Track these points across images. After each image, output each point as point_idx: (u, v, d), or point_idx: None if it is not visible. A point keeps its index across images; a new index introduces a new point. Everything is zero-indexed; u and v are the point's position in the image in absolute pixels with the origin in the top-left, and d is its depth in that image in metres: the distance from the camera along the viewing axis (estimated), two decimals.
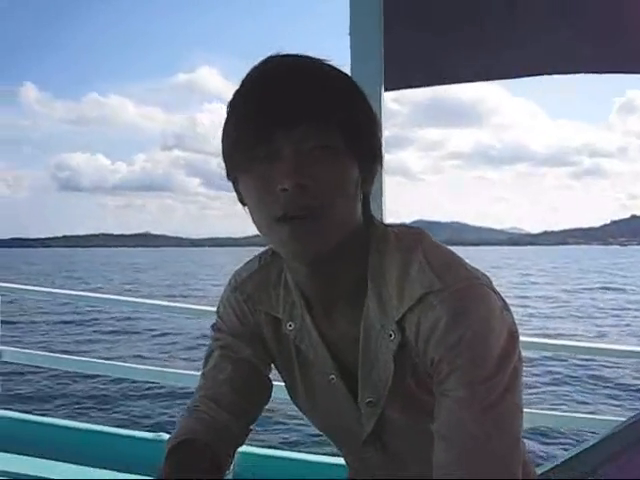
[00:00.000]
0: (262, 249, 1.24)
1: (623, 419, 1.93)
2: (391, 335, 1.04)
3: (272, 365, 1.26)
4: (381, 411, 1.11)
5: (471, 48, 2.35)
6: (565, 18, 2.22)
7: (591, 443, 1.75)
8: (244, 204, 1.07)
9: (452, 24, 2.32)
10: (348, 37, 2.14)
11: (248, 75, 1.05)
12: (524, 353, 1.04)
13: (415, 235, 1.10)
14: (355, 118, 1.03)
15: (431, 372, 1.01)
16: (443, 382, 0.98)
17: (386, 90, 2.20)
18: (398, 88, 2.33)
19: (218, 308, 1.28)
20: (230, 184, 1.10)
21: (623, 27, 2.28)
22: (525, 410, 1.01)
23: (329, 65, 1.06)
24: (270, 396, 1.26)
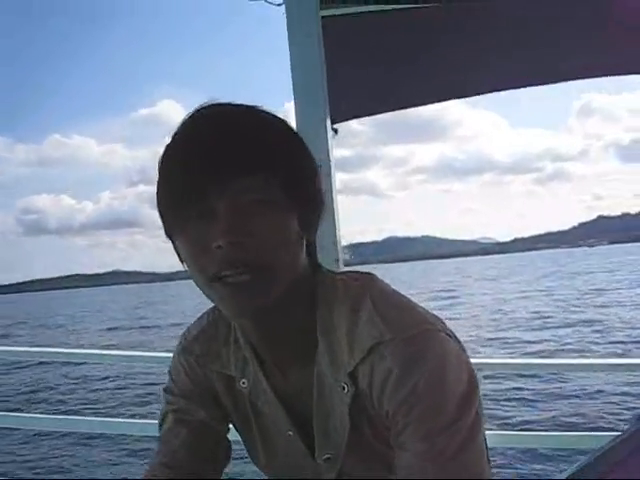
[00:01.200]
0: None
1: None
2: (344, 388, 0.99)
3: (229, 424, 1.21)
4: (340, 466, 1.06)
5: (418, 73, 2.38)
6: (500, 39, 2.26)
7: (598, 453, 1.74)
8: (182, 261, 1.01)
9: (397, 50, 2.34)
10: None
11: (179, 127, 0.99)
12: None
13: (363, 282, 1.05)
14: (293, 168, 0.98)
15: (388, 425, 0.96)
16: (400, 435, 0.93)
17: (333, 122, 2.21)
18: (345, 119, 2.34)
19: (169, 370, 1.22)
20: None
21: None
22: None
23: (265, 112, 1.00)
24: (230, 456, 1.21)
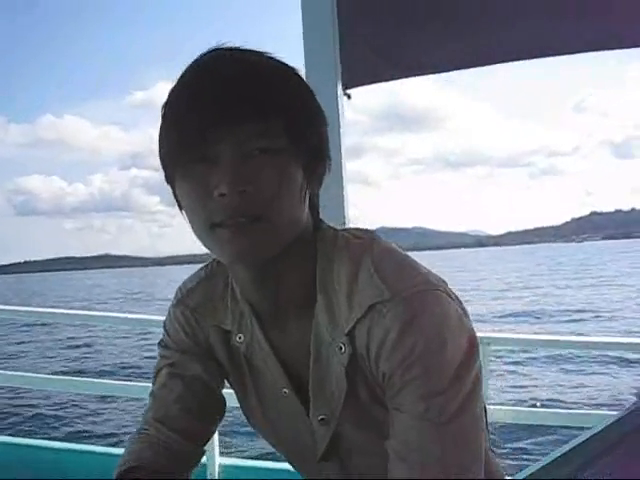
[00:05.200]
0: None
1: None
2: (341, 348, 0.98)
3: (225, 381, 1.20)
4: (335, 428, 1.05)
5: (437, 36, 2.26)
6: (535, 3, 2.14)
7: (574, 444, 1.68)
8: (182, 209, 1.00)
9: (414, 12, 2.21)
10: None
11: (186, 70, 0.98)
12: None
13: (365, 240, 1.04)
14: (301, 117, 0.96)
15: (384, 386, 0.95)
16: (396, 396, 0.93)
17: (346, 88, 2.09)
18: (358, 85, 2.20)
19: (164, 324, 1.20)
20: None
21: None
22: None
23: (272, 58, 0.99)
24: (224, 414, 1.20)
